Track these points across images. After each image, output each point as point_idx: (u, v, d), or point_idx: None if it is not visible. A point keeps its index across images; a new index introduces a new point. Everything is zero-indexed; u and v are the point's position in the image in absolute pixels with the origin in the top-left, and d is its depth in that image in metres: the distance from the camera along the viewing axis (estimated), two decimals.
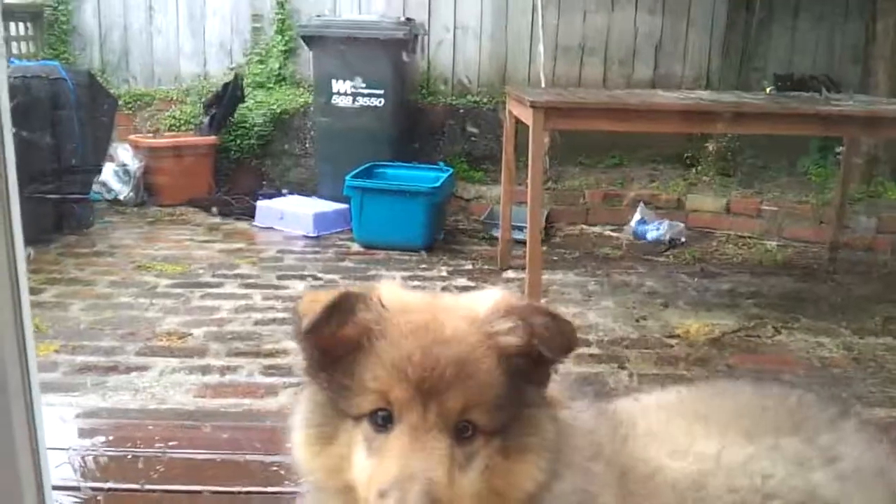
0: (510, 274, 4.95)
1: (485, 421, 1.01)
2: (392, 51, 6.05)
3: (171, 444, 2.09)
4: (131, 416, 2.72)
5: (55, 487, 1.56)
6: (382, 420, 1.00)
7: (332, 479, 1.04)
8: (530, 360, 1.03)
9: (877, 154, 6.21)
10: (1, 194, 0.71)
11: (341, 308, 1.01)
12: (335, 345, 1.04)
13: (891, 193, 6.07)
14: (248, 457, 2.02)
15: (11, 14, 6.84)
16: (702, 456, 1.24)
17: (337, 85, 6.14)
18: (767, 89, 4.77)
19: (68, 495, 1.81)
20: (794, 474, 1.24)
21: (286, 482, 1.92)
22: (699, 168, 6.53)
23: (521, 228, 4.99)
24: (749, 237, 5.83)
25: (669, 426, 1.29)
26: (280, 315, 4.16)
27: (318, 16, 6.66)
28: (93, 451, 2.10)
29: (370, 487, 0.97)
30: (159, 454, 2.04)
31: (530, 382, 1.05)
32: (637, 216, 5.88)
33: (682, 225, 5.83)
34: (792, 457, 1.26)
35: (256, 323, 4.05)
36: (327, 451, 1.04)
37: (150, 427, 2.17)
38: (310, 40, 6.22)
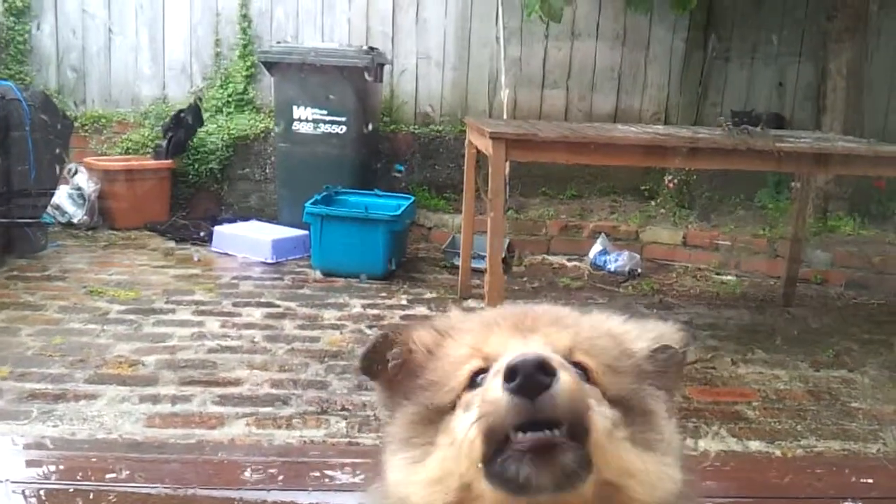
0: (470, 303, 4.93)
1: (596, 367, 0.87)
2: (354, 79, 6.04)
3: (118, 476, 2.02)
4: (77, 447, 2.63)
5: None
6: (481, 381, 0.86)
7: (442, 491, 0.87)
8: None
9: (830, 189, 6.34)
10: None
11: (381, 350, 0.94)
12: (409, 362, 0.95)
13: (844, 228, 6.19)
14: (194, 491, 1.96)
15: None
16: None
17: (298, 111, 6.11)
18: (723, 125, 4.84)
19: None
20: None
21: None
22: (657, 201, 6.61)
23: (482, 257, 4.98)
24: (706, 269, 5.89)
25: None
26: (235, 343, 4.09)
27: (279, 42, 6.65)
28: (35, 483, 2.02)
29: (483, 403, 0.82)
30: (105, 488, 1.97)
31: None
32: (598, 247, 5.92)
33: (639, 257, 5.88)
34: None
35: (210, 351, 3.97)
36: (430, 464, 0.88)
37: (95, 459, 2.09)
38: (271, 66, 6.20)
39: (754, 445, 3.29)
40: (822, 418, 3.56)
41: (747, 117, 6.17)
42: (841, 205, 6.44)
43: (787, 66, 7.10)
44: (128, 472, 2.04)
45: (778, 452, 3.24)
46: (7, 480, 2.00)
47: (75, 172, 6.27)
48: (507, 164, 4.22)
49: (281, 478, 1.95)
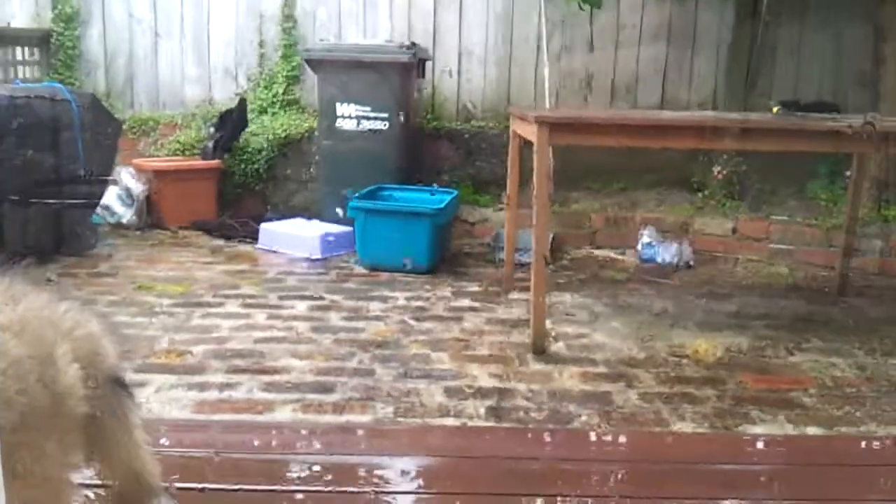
0: (515, 295, 4.88)
1: None
2: (397, 75, 6.04)
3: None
4: None
5: None
6: None
7: None
8: None
9: (887, 178, 6.14)
10: None
11: None
12: None
13: None
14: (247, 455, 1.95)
15: (18, 39, 6.88)
16: None
17: (341, 108, 6.13)
18: (774, 109, 4.70)
19: None
20: None
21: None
22: (706, 192, 6.47)
23: (527, 251, 4.93)
24: (757, 260, 5.76)
25: None
26: (280, 334, 4.10)
27: (322, 40, 6.68)
28: None
29: None
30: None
31: None
32: (644, 239, 5.82)
33: (689, 248, 5.77)
34: None
35: (256, 341, 3.98)
36: None
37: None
38: (315, 64, 6.22)
39: (812, 431, 3.19)
40: (881, 405, 3.44)
41: (796, 106, 5.99)
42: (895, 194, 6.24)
43: (837, 52, 6.92)
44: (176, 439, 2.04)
45: None
46: None
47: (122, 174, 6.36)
48: (552, 152, 4.16)
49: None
